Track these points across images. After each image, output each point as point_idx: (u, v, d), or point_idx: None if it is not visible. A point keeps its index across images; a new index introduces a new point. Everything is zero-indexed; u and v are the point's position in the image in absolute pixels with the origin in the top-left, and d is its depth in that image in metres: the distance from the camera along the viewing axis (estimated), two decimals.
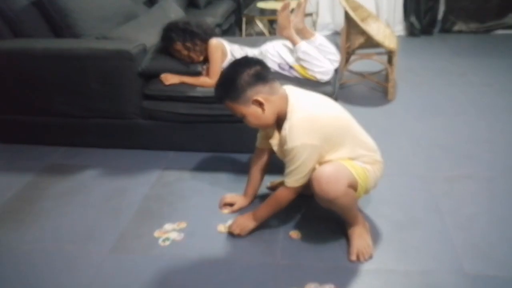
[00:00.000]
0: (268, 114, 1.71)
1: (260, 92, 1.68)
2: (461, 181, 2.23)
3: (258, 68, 1.69)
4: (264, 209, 1.88)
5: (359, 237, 1.80)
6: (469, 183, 2.22)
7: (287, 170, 1.72)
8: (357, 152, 1.75)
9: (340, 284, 1.64)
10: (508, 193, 2.13)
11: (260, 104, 1.69)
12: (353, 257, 1.76)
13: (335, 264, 1.75)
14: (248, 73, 1.67)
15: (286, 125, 1.68)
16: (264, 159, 2.04)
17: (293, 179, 1.72)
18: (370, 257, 1.77)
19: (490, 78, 3.59)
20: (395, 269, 1.71)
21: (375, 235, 1.85)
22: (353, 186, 1.70)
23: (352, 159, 1.74)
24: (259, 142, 2.03)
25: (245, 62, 1.72)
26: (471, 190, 2.17)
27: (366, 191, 1.81)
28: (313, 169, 1.69)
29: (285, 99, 1.73)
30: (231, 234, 1.93)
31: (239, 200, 2.10)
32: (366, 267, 1.73)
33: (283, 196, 1.80)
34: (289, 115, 1.69)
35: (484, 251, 1.78)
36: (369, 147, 1.80)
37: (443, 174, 2.29)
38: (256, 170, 2.07)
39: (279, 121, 1.75)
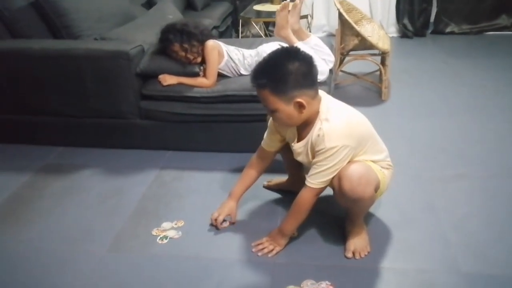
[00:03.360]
0: (303, 116, 1.65)
1: (305, 95, 1.60)
2: (456, 181, 2.26)
3: (311, 68, 1.61)
4: (290, 221, 1.80)
5: (358, 236, 1.81)
6: (464, 183, 2.24)
7: (317, 170, 1.65)
8: (378, 157, 1.75)
9: (336, 281, 1.66)
10: (502, 192, 2.16)
11: (300, 106, 1.61)
12: (349, 254, 1.77)
13: (332, 262, 1.76)
14: (303, 72, 1.57)
15: (323, 126, 1.62)
16: (266, 162, 1.97)
17: (322, 180, 1.67)
18: (366, 255, 1.78)
19: (483, 78, 3.63)
20: (391, 267, 1.73)
21: (372, 235, 1.87)
22: (376, 190, 1.71)
23: (373, 162, 1.73)
24: (267, 144, 1.94)
25: (301, 57, 1.60)
26: (466, 190, 2.19)
27: (380, 196, 1.82)
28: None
29: (319, 102, 1.68)
30: (261, 255, 1.81)
31: (225, 208, 1.97)
32: (362, 265, 1.74)
33: (308, 199, 1.72)
34: (323, 116, 1.64)
35: (479, 250, 1.79)
36: (386, 153, 1.81)
37: (438, 174, 2.32)
38: (254, 171, 1.98)
39: (305, 122, 1.70)
